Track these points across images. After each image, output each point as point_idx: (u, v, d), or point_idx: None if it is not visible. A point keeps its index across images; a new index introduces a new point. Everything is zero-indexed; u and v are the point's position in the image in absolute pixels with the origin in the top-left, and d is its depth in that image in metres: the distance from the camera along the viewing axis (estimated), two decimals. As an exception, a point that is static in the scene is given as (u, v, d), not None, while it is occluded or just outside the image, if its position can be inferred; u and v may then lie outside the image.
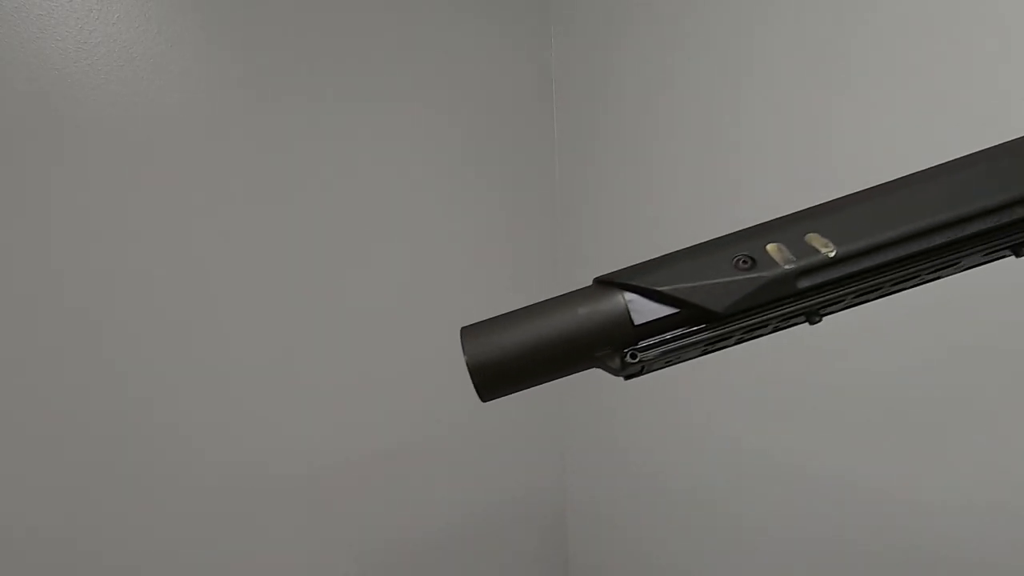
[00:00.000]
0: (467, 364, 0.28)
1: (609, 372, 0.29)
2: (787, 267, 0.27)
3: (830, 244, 0.27)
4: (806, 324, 0.29)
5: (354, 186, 1.06)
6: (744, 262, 0.28)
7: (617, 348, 0.28)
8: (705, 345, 0.28)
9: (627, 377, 0.29)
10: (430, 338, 1.14)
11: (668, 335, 0.28)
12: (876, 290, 0.28)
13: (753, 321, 0.27)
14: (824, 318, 0.29)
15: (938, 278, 0.29)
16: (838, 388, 0.86)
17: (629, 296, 0.28)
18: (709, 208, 1.02)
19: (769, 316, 0.27)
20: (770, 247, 0.28)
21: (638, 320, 0.28)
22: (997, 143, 0.30)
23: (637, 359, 0.28)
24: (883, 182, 0.30)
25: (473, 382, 0.28)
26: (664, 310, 0.28)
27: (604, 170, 1.21)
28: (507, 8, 1.24)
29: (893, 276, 0.27)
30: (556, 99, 1.31)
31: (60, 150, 0.82)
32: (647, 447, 1.15)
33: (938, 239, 0.27)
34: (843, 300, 0.28)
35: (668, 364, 0.29)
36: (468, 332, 0.30)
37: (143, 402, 0.88)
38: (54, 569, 0.81)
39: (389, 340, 1.10)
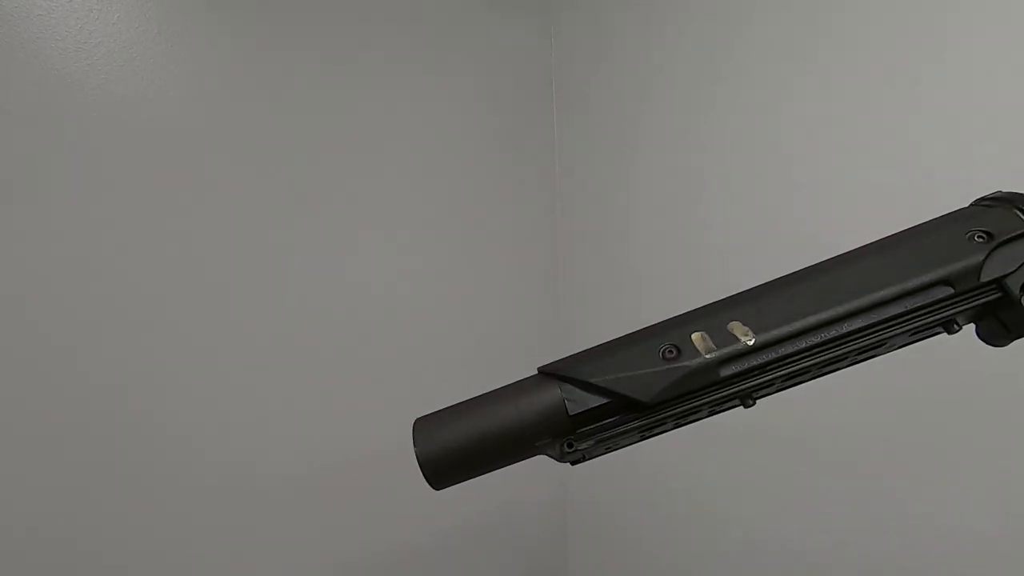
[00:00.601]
0: (417, 458, 0.30)
1: (552, 459, 0.30)
2: (709, 356, 0.28)
3: (750, 332, 0.28)
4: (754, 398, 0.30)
5: (355, 185, 1.06)
6: (670, 352, 0.29)
7: (556, 438, 0.29)
8: (640, 432, 0.30)
9: (572, 463, 0.31)
10: (430, 339, 1.14)
11: (602, 424, 0.29)
12: (804, 373, 0.29)
13: (683, 408, 0.29)
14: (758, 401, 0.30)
15: (869, 358, 0.30)
16: (840, 390, 0.86)
17: (565, 388, 0.30)
18: (709, 207, 1.02)
19: (699, 403, 0.29)
20: (694, 336, 0.29)
21: (573, 411, 0.29)
22: (917, 223, 0.31)
23: (574, 448, 0.29)
24: (807, 266, 0.32)
25: (424, 474, 0.30)
26: (596, 400, 0.29)
27: (604, 170, 1.21)
28: (507, 8, 1.24)
29: (816, 360, 0.28)
30: (556, 99, 1.31)
31: (60, 150, 0.81)
32: (648, 449, 1.15)
33: (857, 323, 0.28)
34: (772, 384, 0.29)
35: (608, 450, 0.31)
36: (419, 426, 0.31)
37: (142, 402, 0.87)
38: (54, 569, 0.81)
39: (389, 341, 1.10)
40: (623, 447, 0.31)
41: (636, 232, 1.15)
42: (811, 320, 0.28)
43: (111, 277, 0.85)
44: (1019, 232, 0.28)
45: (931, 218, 0.31)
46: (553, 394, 0.30)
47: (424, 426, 0.31)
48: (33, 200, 0.80)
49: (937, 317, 0.28)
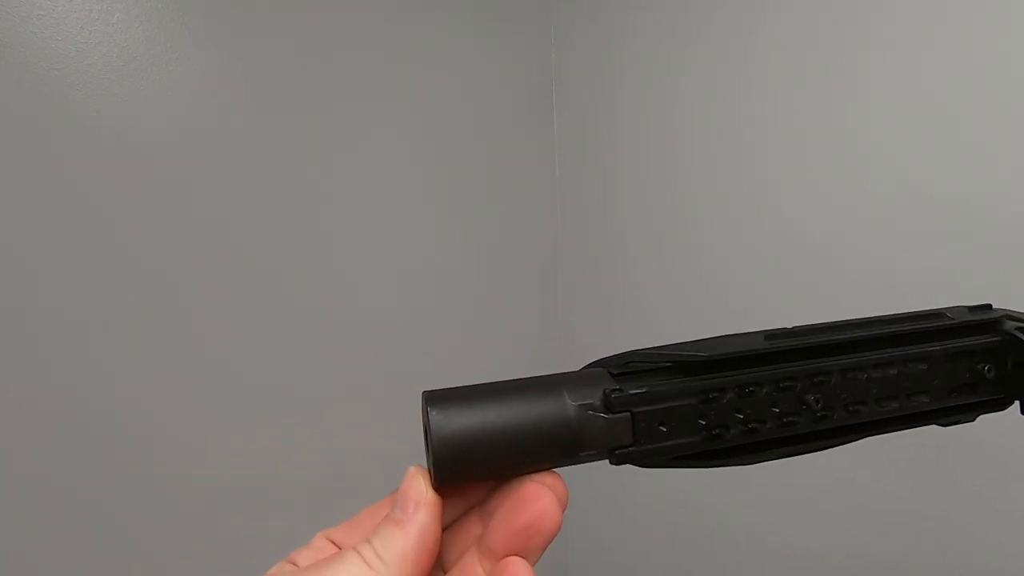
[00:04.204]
0: (432, 441, 0.24)
1: (594, 443, 0.26)
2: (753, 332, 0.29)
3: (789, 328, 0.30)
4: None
5: (354, 186, 1.06)
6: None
7: (597, 395, 0.26)
8: (698, 398, 0.27)
9: (617, 457, 0.26)
10: (429, 339, 1.14)
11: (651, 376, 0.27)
12: (858, 371, 0.29)
13: (742, 375, 0.27)
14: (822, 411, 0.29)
15: (912, 386, 0.31)
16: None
17: (606, 362, 0.28)
18: (712, 208, 1.02)
19: (756, 372, 0.27)
20: None
21: (617, 371, 0.27)
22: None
23: (623, 391, 0.25)
24: None
25: (435, 462, 0.24)
26: (644, 366, 0.27)
27: (605, 170, 1.21)
28: (507, 8, 1.24)
29: (855, 359, 0.29)
30: (556, 98, 1.31)
31: (59, 151, 0.81)
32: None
33: (877, 330, 0.30)
34: (829, 377, 0.29)
35: (663, 433, 0.26)
36: (434, 399, 0.25)
37: (138, 404, 0.88)
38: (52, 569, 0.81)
39: (387, 341, 1.10)
40: (681, 440, 0.26)
41: (637, 232, 1.15)
42: (838, 321, 0.30)
43: (110, 277, 0.85)
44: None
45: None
46: (593, 370, 0.27)
47: (440, 400, 0.25)
48: (32, 200, 0.80)
49: (953, 345, 0.30)
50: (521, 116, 1.27)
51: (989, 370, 0.30)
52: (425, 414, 0.24)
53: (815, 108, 0.87)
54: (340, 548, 0.26)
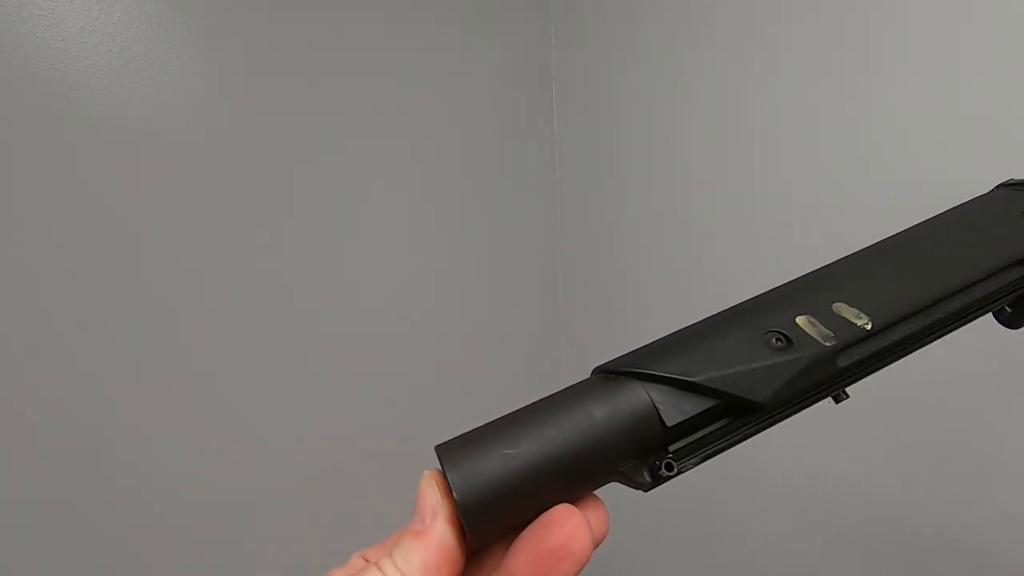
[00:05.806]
0: (456, 503, 0.21)
1: (630, 486, 0.23)
2: (827, 344, 0.24)
3: (863, 315, 0.25)
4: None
5: (352, 187, 1.06)
6: (778, 340, 0.24)
7: (644, 457, 0.23)
8: (744, 438, 0.24)
9: (650, 487, 0.24)
10: (428, 339, 1.14)
11: (704, 434, 0.23)
12: (893, 357, 0.27)
13: (795, 408, 0.24)
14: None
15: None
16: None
17: (655, 390, 0.23)
18: (712, 208, 1.02)
19: (809, 399, 0.25)
20: (800, 320, 0.25)
21: (671, 420, 0.22)
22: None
23: (674, 470, 0.22)
24: (874, 247, 0.29)
25: (465, 523, 0.21)
26: (699, 404, 0.23)
27: (605, 170, 1.21)
28: (507, 7, 1.24)
29: (916, 345, 0.26)
30: (556, 98, 1.31)
31: (59, 151, 0.81)
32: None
33: (955, 304, 0.26)
34: (870, 372, 0.26)
35: (697, 464, 0.24)
36: (448, 454, 0.22)
37: (142, 404, 0.87)
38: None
39: (386, 341, 1.10)
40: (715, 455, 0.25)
41: (637, 232, 1.15)
42: (919, 301, 0.25)
43: (110, 277, 0.85)
44: None
45: (967, 201, 0.30)
46: (639, 400, 0.23)
47: (456, 455, 0.22)
48: (32, 200, 0.80)
49: (1008, 297, 0.27)
50: (521, 116, 1.27)
51: (1007, 310, 0.28)
52: (444, 473, 0.22)
53: (816, 108, 0.87)
54: None
